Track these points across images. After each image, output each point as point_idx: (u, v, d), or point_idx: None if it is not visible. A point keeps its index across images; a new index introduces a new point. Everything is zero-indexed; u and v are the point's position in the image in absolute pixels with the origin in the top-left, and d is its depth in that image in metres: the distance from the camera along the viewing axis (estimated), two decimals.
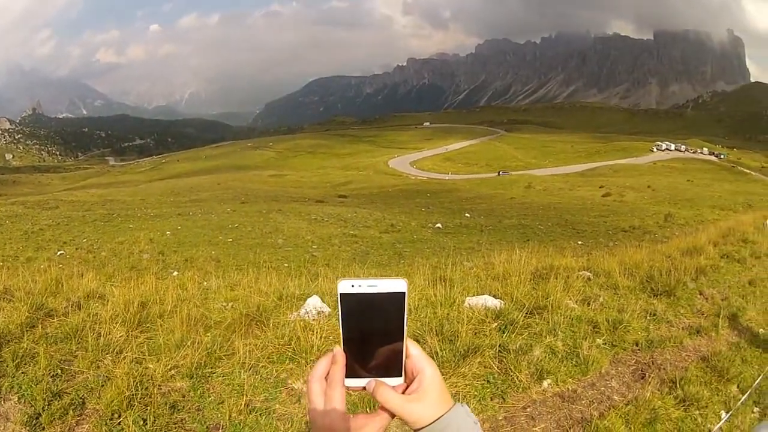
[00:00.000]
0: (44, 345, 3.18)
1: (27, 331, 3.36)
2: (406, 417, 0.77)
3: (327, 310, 4.09)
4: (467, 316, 4.09)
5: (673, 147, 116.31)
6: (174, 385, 3.07)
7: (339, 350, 0.77)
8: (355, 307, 0.75)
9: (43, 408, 2.70)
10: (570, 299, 4.91)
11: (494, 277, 5.48)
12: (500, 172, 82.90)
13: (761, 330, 4.88)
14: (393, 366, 0.78)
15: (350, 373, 0.77)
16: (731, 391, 3.74)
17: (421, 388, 0.78)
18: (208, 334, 3.62)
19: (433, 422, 0.77)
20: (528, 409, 3.30)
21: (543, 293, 4.79)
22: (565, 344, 4.00)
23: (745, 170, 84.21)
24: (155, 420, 2.73)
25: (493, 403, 3.29)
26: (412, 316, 4.13)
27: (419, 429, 0.77)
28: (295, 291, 4.66)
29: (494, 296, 4.69)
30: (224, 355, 3.39)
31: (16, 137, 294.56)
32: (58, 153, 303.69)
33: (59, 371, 3.01)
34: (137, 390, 2.85)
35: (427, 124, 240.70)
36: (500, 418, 3.20)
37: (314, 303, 4.15)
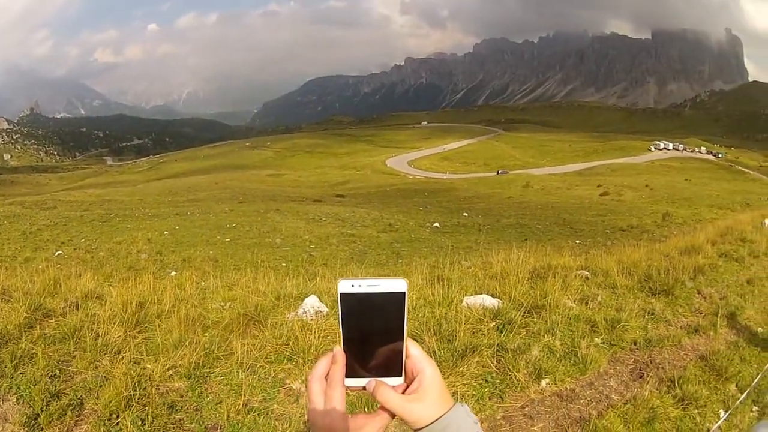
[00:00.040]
0: (42, 345, 3.18)
1: (25, 331, 3.35)
2: (406, 417, 0.77)
3: (325, 309, 4.09)
4: (465, 316, 4.09)
5: (671, 146, 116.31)
6: (172, 385, 3.06)
7: (339, 350, 0.77)
8: (355, 307, 0.75)
9: (41, 408, 2.69)
10: (568, 298, 4.91)
11: (492, 277, 5.48)
12: (499, 171, 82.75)
13: (760, 329, 4.89)
14: (393, 366, 0.78)
15: (350, 373, 0.77)
16: (730, 390, 3.74)
17: (421, 388, 0.78)
18: (206, 334, 3.62)
19: (434, 422, 0.77)
20: (526, 409, 3.30)
21: (541, 292, 4.79)
22: (563, 343, 4.00)
23: (743, 169, 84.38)
24: (153, 420, 2.73)
25: (492, 402, 3.29)
26: (409, 316, 4.12)
27: (419, 429, 0.77)
28: (293, 291, 4.66)
29: (492, 295, 4.69)
30: (222, 355, 3.39)
31: (14, 137, 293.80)
32: (55, 153, 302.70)
33: (57, 372, 3.01)
34: (135, 390, 2.85)
35: (425, 123, 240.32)
36: (498, 417, 3.20)
37: (312, 303, 4.15)
